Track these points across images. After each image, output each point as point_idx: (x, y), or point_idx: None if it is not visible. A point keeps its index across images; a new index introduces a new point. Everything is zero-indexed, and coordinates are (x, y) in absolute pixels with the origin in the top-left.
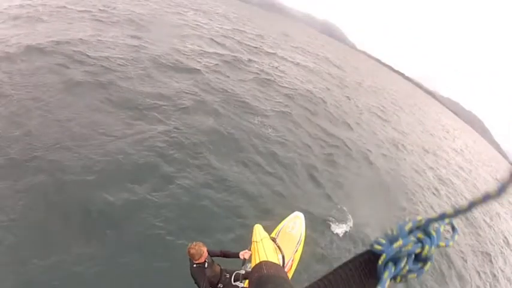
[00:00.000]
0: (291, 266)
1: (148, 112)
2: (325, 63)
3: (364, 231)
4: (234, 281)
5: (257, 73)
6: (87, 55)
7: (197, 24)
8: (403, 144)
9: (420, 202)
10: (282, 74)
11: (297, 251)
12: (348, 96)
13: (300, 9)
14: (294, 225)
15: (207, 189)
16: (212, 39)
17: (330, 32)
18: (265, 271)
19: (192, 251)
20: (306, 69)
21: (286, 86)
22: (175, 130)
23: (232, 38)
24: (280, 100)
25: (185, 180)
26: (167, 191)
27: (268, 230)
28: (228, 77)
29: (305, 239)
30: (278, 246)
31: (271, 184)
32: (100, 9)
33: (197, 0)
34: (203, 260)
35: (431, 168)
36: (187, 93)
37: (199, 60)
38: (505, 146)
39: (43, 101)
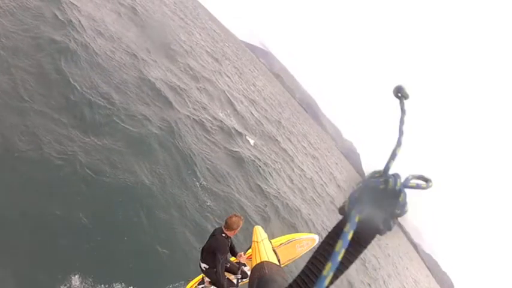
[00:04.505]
0: None
1: (92, 114)
2: (330, 180)
3: None
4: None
5: (243, 152)
6: (85, 29)
7: (222, 75)
8: None
9: None
10: (274, 167)
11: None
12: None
13: (333, 121)
14: (304, 245)
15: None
16: (227, 96)
17: (349, 154)
18: (266, 271)
19: (234, 218)
20: (304, 176)
21: (269, 180)
22: (98, 151)
23: (248, 107)
24: (252, 194)
25: (60, 209)
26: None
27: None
28: (211, 138)
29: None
30: (274, 250)
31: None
32: (144, 10)
33: (243, 62)
34: (232, 235)
35: None
36: (148, 123)
37: (193, 104)
38: None
39: (13, 32)
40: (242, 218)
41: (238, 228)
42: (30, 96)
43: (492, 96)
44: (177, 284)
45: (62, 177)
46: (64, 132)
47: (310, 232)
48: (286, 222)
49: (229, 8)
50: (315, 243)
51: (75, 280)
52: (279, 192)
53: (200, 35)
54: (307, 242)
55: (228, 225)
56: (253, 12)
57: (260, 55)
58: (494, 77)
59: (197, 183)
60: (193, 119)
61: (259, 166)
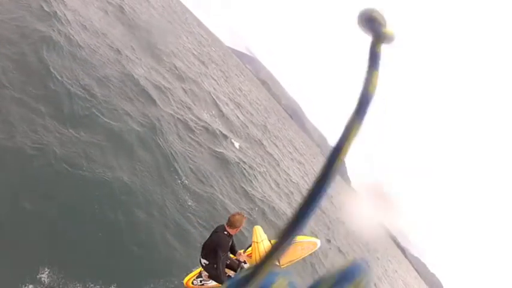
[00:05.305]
0: None
1: (71, 105)
2: None
3: None
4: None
5: (228, 154)
6: (70, 22)
7: (208, 78)
8: None
9: None
10: (259, 170)
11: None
12: (327, 227)
13: (318, 127)
14: (305, 248)
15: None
16: (213, 98)
17: None
18: None
19: (237, 216)
20: (290, 181)
21: (254, 182)
22: (75, 143)
23: (234, 110)
24: (237, 196)
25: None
26: None
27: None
28: (194, 138)
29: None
30: None
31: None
32: (132, 10)
33: (230, 66)
34: (234, 233)
35: None
36: (130, 118)
37: (177, 103)
38: None
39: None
40: (245, 216)
41: (241, 227)
42: (10, 81)
43: (483, 96)
44: (156, 285)
45: (35, 168)
46: (40, 121)
47: (312, 236)
48: (273, 225)
49: (208, 6)
50: (316, 247)
51: (46, 279)
52: (265, 196)
53: (187, 38)
54: (309, 245)
55: (231, 223)
56: (232, 10)
57: (246, 61)
58: (479, 79)
59: (179, 181)
60: (177, 118)
61: (244, 169)
